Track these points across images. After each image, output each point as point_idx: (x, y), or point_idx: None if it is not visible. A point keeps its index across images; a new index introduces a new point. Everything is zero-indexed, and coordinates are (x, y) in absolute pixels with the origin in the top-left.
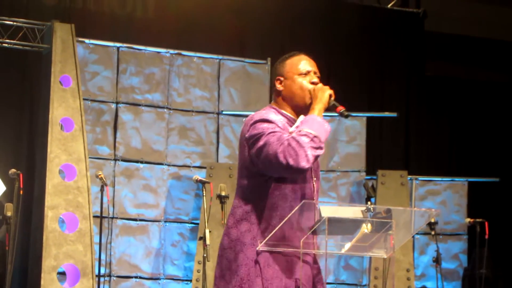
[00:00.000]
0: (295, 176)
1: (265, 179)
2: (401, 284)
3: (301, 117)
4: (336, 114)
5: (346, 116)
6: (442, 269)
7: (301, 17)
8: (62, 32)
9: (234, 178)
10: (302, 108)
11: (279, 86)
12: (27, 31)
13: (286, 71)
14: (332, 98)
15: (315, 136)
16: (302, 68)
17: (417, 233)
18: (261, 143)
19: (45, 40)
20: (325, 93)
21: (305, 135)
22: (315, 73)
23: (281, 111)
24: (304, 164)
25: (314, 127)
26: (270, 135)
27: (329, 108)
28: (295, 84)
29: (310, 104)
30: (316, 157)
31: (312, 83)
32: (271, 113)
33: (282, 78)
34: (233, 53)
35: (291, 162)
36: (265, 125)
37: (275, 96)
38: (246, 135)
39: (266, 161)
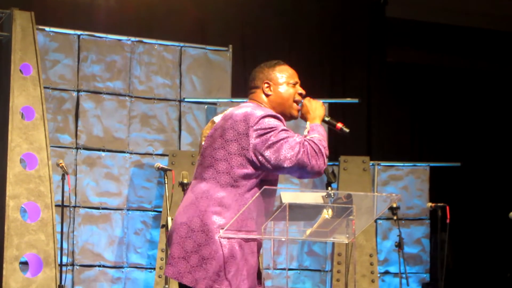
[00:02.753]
0: (311, 177)
1: (259, 173)
2: (364, 269)
3: (307, 123)
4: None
5: (347, 133)
6: (405, 253)
7: (262, 4)
8: (21, 19)
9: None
10: (285, 115)
11: (267, 90)
12: None
13: (276, 77)
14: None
15: (326, 144)
16: (291, 78)
17: (379, 218)
18: (275, 138)
19: (4, 28)
20: (321, 107)
21: (320, 140)
22: (300, 85)
23: None
24: (324, 167)
25: (323, 134)
26: (284, 131)
27: (327, 123)
28: (285, 92)
29: (294, 115)
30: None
31: (300, 94)
32: (273, 112)
33: (271, 83)
34: (194, 40)
35: (314, 163)
36: (277, 121)
37: (260, 97)
38: (254, 126)
39: (282, 156)
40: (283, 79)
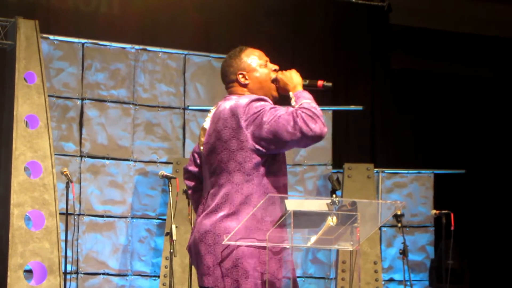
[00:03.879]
0: (315, 142)
1: (262, 162)
2: (369, 277)
3: (290, 93)
4: None
5: (331, 87)
6: (409, 261)
7: (266, 11)
8: (26, 28)
9: None
10: (268, 96)
11: (243, 80)
12: None
13: (247, 65)
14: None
15: (316, 106)
16: (261, 59)
17: (384, 226)
18: (266, 118)
19: (9, 37)
20: (296, 74)
21: (310, 103)
22: (270, 61)
23: None
24: (325, 129)
25: (310, 98)
26: (273, 109)
27: (308, 86)
28: (260, 74)
29: (274, 95)
30: None
31: (274, 71)
32: (255, 96)
33: (244, 72)
34: (198, 48)
35: (313, 127)
36: (262, 102)
37: (239, 89)
38: (244, 116)
39: (281, 131)
40: (254, 64)
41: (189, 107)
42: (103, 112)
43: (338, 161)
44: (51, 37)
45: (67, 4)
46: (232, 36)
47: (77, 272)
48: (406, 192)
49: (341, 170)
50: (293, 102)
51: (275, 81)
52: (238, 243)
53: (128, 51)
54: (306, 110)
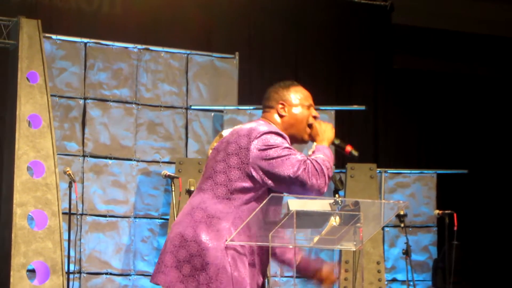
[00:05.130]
0: (310, 195)
1: (257, 187)
2: (372, 277)
3: (314, 144)
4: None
5: (357, 156)
6: (412, 261)
7: (268, 11)
8: (28, 28)
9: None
10: (297, 138)
11: (282, 111)
12: None
13: (291, 98)
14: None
15: (330, 166)
16: (306, 101)
17: (387, 226)
18: (275, 154)
19: (11, 36)
20: (331, 130)
21: (324, 161)
22: (314, 107)
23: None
24: (325, 189)
25: (328, 156)
26: (287, 149)
27: (336, 146)
28: (299, 114)
29: (304, 139)
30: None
31: (314, 117)
32: (278, 130)
33: (285, 104)
34: (201, 48)
35: (314, 182)
36: (280, 139)
37: (273, 118)
38: (256, 141)
39: (282, 172)
40: (297, 101)
41: (192, 107)
42: (105, 112)
43: (341, 161)
44: (54, 36)
45: (69, 4)
46: (235, 36)
47: (80, 272)
48: (409, 192)
49: (344, 170)
50: (310, 152)
51: (310, 126)
52: (238, 243)
53: (130, 50)
54: (316, 164)
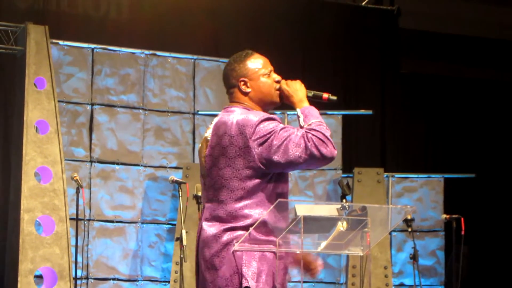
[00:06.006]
0: (325, 164)
1: (267, 180)
2: (379, 282)
3: (298, 110)
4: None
5: (336, 100)
6: (420, 265)
7: (275, 15)
8: (36, 34)
9: None
10: (270, 107)
11: (244, 88)
12: (0, 33)
13: (250, 72)
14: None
15: (326, 125)
16: (265, 68)
17: (394, 230)
18: (277, 141)
19: (19, 42)
20: (301, 86)
21: (320, 125)
22: (274, 71)
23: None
24: (335, 152)
25: (318, 117)
26: (283, 130)
27: (313, 98)
28: (263, 85)
29: (277, 102)
30: None
31: (277, 81)
32: (263, 114)
33: (246, 79)
34: (208, 53)
35: (324, 151)
36: (272, 123)
37: (240, 97)
38: (252, 137)
39: (292, 156)
40: (257, 72)
41: (199, 112)
42: (113, 117)
43: (348, 166)
44: (61, 42)
45: (76, 10)
46: (242, 40)
47: (87, 278)
48: (416, 196)
49: (351, 175)
50: (301, 122)
51: (279, 90)
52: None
53: (137, 56)
54: (317, 133)
